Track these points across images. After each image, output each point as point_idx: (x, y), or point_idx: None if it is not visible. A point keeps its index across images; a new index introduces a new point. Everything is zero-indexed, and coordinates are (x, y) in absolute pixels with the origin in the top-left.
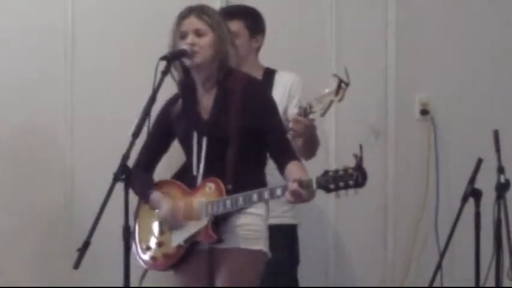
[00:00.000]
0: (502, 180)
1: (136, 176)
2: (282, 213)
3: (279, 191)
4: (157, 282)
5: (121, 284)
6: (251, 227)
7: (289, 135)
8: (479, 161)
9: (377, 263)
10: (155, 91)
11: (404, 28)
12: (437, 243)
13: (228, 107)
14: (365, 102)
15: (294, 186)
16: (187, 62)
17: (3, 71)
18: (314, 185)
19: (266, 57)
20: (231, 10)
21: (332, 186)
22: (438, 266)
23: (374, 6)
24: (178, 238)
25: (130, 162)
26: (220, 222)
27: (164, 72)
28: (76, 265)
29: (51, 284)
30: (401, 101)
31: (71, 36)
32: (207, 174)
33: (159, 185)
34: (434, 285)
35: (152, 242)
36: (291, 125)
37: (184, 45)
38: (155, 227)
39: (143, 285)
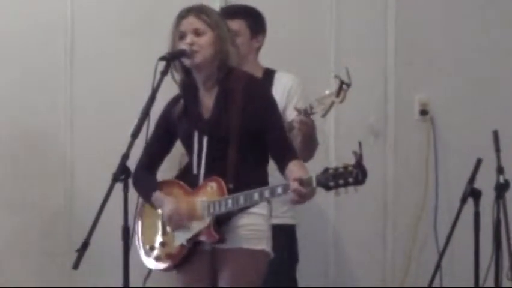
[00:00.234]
0: (501, 180)
1: (139, 177)
2: (281, 214)
3: (279, 190)
4: (158, 282)
5: (120, 284)
6: (253, 227)
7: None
8: (479, 161)
9: (376, 263)
10: (154, 91)
11: (404, 28)
12: (436, 243)
13: (228, 106)
14: (364, 103)
15: (295, 185)
16: (186, 62)
17: (3, 71)
18: (314, 183)
19: (266, 57)
20: (233, 9)
21: (331, 183)
22: (438, 266)
23: (374, 6)
24: (180, 238)
25: (130, 163)
26: (222, 222)
27: (164, 73)
28: (75, 265)
29: (51, 284)
30: (401, 101)
31: (71, 36)
32: (208, 173)
33: (162, 185)
34: (434, 285)
35: (156, 242)
36: (295, 125)
37: (183, 46)
38: (159, 227)
39: (144, 286)
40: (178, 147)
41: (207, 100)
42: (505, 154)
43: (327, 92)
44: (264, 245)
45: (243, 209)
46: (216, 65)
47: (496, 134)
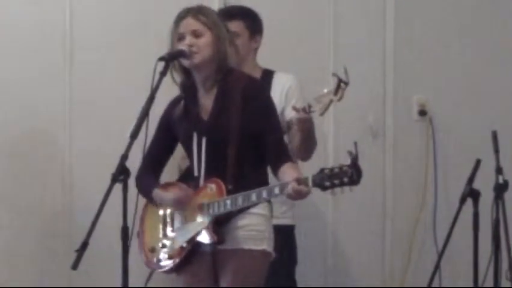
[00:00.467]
0: (500, 180)
1: (141, 179)
2: (280, 214)
3: (277, 190)
4: (159, 283)
5: (119, 284)
6: (254, 228)
7: (286, 137)
8: (478, 162)
9: (375, 264)
10: (153, 92)
11: (402, 29)
12: (435, 243)
13: (227, 107)
14: (363, 103)
15: (295, 185)
16: (185, 62)
17: (3, 71)
18: (310, 183)
19: (265, 57)
20: (231, 11)
21: (327, 183)
22: (437, 266)
23: (372, 6)
24: (180, 239)
25: (129, 163)
26: (223, 223)
27: (163, 73)
28: (75, 266)
29: (51, 284)
30: (399, 101)
31: (71, 37)
32: (208, 174)
33: (163, 188)
34: (433, 285)
35: (157, 244)
36: (294, 122)
37: (182, 47)
38: (160, 229)
39: (137, 285)
40: (175, 151)
41: (206, 101)
42: (504, 154)
43: (325, 90)
44: (265, 245)
45: (244, 210)
46: (214, 65)
47: (494, 135)
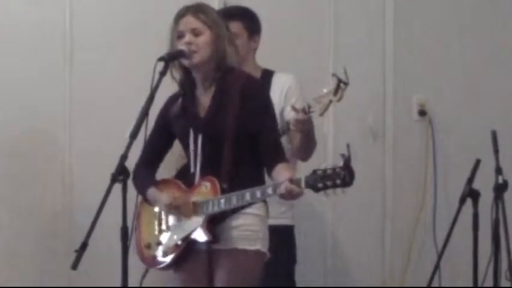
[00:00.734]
0: (500, 181)
1: (137, 173)
2: (279, 214)
3: (270, 190)
4: (156, 282)
5: (119, 284)
6: (249, 228)
7: (284, 138)
8: (477, 162)
9: (375, 264)
10: (153, 92)
11: (402, 29)
12: (435, 243)
13: (225, 105)
14: (363, 103)
15: (287, 184)
16: (185, 62)
17: (3, 71)
18: (303, 184)
19: (265, 57)
20: (230, 11)
21: (319, 185)
22: (437, 267)
23: (372, 7)
24: (175, 237)
25: (128, 163)
26: (218, 222)
27: (162, 73)
28: (74, 266)
29: (51, 284)
30: (399, 101)
31: (71, 37)
32: (204, 172)
33: (159, 184)
34: (432, 285)
35: (152, 241)
36: (292, 126)
37: (181, 45)
38: (155, 226)
39: (143, 285)
40: (173, 149)
41: (204, 99)
42: (504, 155)
43: (324, 90)
44: (259, 245)
45: (239, 210)
46: (213, 64)
47: (494, 135)
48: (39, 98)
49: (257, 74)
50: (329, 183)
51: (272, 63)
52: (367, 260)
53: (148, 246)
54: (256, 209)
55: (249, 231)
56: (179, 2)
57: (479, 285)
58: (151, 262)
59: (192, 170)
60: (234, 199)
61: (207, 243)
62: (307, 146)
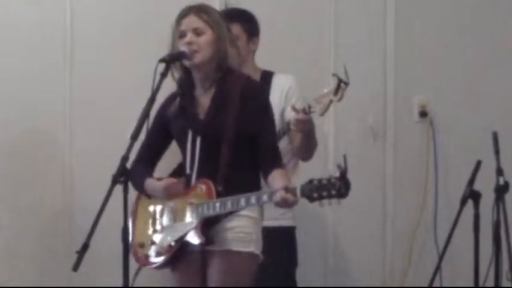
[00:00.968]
0: (501, 182)
1: (134, 170)
2: (280, 216)
3: (265, 197)
4: (152, 282)
5: (119, 285)
6: (243, 229)
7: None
8: (478, 163)
9: (376, 265)
10: (154, 93)
11: (403, 29)
12: (436, 244)
13: (225, 107)
14: (363, 104)
15: (283, 193)
16: (186, 62)
17: (3, 71)
18: (298, 193)
19: (265, 57)
20: (229, 14)
21: (315, 195)
22: (438, 268)
23: (373, 7)
24: (169, 238)
25: (129, 164)
26: (212, 223)
27: (163, 74)
28: (75, 267)
29: (51, 284)
30: (400, 102)
31: (71, 37)
32: (200, 173)
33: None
34: (433, 286)
35: (146, 240)
36: (292, 126)
37: (182, 45)
38: (149, 225)
39: (138, 285)
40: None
41: (204, 100)
42: (505, 156)
43: (325, 90)
44: (253, 247)
45: (233, 212)
46: (214, 64)
47: (495, 136)
48: (39, 98)
49: (257, 76)
50: (324, 193)
51: (273, 64)
52: (368, 261)
53: (142, 245)
54: (250, 211)
55: (243, 233)
56: (179, 2)
57: (480, 286)
58: (144, 261)
59: (188, 171)
60: (229, 203)
61: (201, 244)
62: (308, 146)
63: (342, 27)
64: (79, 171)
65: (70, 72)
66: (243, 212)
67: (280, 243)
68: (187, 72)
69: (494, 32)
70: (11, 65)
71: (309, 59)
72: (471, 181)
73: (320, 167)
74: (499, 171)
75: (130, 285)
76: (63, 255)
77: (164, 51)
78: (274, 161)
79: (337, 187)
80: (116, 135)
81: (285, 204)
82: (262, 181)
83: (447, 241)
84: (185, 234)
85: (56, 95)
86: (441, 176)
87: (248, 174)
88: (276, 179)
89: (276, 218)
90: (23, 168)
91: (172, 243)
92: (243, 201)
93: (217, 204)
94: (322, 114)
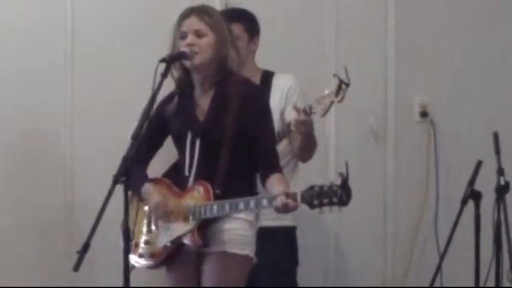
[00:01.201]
0: (502, 182)
1: (132, 171)
2: (281, 216)
3: (265, 202)
4: (149, 282)
5: (119, 285)
6: (238, 232)
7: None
8: (479, 163)
9: (376, 265)
10: (154, 93)
11: (404, 30)
12: (437, 244)
13: (224, 109)
14: (364, 105)
15: (283, 199)
16: (186, 63)
17: (3, 71)
18: (299, 199)
19: (266, 58)
20: (230, 14)
21: (315, 202)
22: (438, 268)
23: (374, 7)
24: (164, 239)
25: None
26: (207, 225)
27: (164, 75)
28: (76, 267)
29: (51, 285)
30: (401, 103)
31: (72, 37)
32: (199, 175)
33: (151, 183)
34: (434, 286)
35: (140, 240)
36: (293, 128)
37: (183, 46)
38: (144, 225)
39: (138, 285)
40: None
41: (203, 102)
42: (505, 156)
43: (326, 91)
44: (248, 250)
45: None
46: (214, 66)
47: (496, 136)
48: (39, 98)
49: (257, 76)
50: (325, 200)
51: (274, 65)
52: (369, 261)
53: (136, 245)
54: (246, 214)
55: (239, 235)
56: (180, 3)
57: (480, 286)
58: (137, 260)
59: (187, 173)
60: (227, 207)
61: (195, 246)
62: (307, 147)
63: (343, 27)
64: (79, 171)
65: (71, 72)
66: (240, 215)
67: (281, 243)
68: (186, 73)
69: (495, 32)
70: (11, 65)
71: (310, 60)
72: (472, 181)
73: (320, 167)
74: (500, 171)
75: (138, 287)
76: (63, 256)
77: (164, 51)
78: (273, 165)
79: (338, 195)
80: (116, 135)
81: (285, 209)
82: (259, 185)
83: (448, 241)
84: (181, 236)
85: (56, 95)
86: (442, 176)
87: (245, 177)
88: (275, 184)
89: (278, 218)
90: (23, 168)
91: (168, 244)
92: (241, 205)
93: (215, 207)
94: (323, 115)
